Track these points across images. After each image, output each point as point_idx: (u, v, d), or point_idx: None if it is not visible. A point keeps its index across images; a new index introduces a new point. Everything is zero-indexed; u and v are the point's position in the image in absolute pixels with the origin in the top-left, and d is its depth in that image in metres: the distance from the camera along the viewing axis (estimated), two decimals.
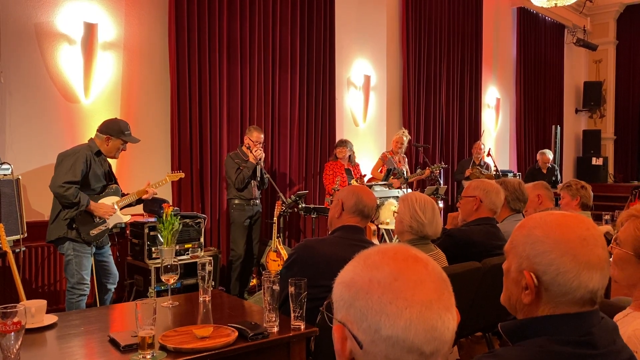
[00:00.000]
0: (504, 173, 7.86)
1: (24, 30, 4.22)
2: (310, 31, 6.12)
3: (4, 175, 3.76)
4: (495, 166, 7.51)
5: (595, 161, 10.83)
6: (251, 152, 4.88)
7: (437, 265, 0.84)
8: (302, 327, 2.10)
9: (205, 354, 1.87)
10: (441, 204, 6.61)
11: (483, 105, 8.91)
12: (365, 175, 6.14)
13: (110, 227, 3.75)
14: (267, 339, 2.02)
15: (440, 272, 0.83)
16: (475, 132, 8.54)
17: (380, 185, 5.77)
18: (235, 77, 5.39)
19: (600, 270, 1.08)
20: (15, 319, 1.63)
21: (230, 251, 5.06)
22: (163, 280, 2.47)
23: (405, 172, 6.18)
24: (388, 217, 5.09)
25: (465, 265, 2.59)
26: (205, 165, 5.21)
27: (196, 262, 2.97)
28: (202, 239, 4.61)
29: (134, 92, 4.84)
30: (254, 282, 5.31)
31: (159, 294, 4.15)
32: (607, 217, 4.47)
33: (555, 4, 7.66)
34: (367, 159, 6.76)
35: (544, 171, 8.31)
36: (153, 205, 4.33)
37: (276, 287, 2.10)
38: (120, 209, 3.82)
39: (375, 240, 5.15)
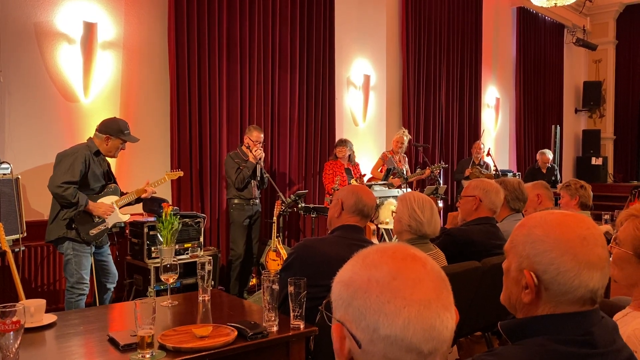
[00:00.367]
0: (504, 173, 7.86)
1: (24, 29, 4.22)
2: (310, 30, 6.12)
3: (4, 174, 3.76)
4: (494, 166, 7.51)
5: (595, 161, 10.83)
6: (251, 151, 4.88)
7: (435, 264, 0.84)
8: (302, 326, 2.10)
9: (204, 353, 1.86)
10: (441, 204, 6.61)
11: (483, 105, 8.91)
12: (365, 175, 6.14)
13: (109, 226, 3.75)
14: (266, 338, 2.02)
15: (439, 271, 0.83)
16: (474, 132, 8.54)
17: (379, 184, 5.77)
18: (234, 77, 5.39)
19: (601, 269, 1.07)
20: (15, 318, 1.63)
21: (230, 251, 5.06)
22: (162, 279, 2.47)
23: (405, 172, 6.18)
24: (387, 216, 5.08)
25: (465, 264, 2.59)
26: (205, 165, 5.21)
27: (195, 261, 2.97)
28: (201, 239, 4.61)
29: (133, 91, 4.83)
30: (253, 281, 5.31)
31: (159, 293, 4.15)
32: (606, 216, 4.47)
33: (555, 3, 7.66)
34: (366, 159, 6.76)
35: (544, 171, 8.31)
36: (152, 205, 4.33)
37: (275, 287, 2.10)
38: (119, 208, 3.82)
39: (375, 240, 5.15)
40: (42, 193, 3.80)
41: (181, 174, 4.31)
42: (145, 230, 4.29)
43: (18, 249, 3.76)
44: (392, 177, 6.00)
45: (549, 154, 8.40)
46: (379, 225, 5.39)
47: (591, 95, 11.30)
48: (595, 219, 3.50)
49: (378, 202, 5.07)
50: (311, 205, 5.36)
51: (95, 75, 4.57)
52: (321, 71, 6.23)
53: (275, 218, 5.05)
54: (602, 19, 11.42)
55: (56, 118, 4.40)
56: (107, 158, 3.86)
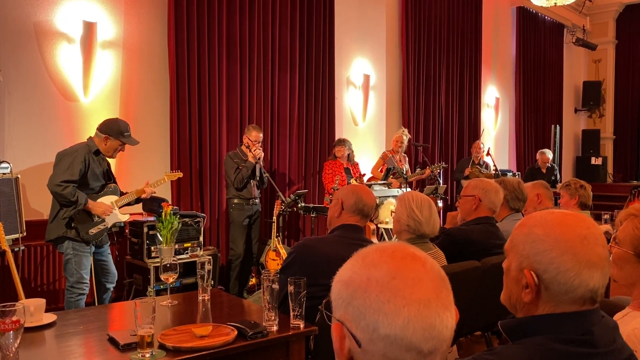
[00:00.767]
0: (503, 172, 7.86)
1: (23, 28, 4.22)
2: (310, 30, 6.12)
3: (3, 174, 3.75)
4: (494, 165, 7.51)
5: (595, 161, 10.83)
6: (250, 151, 4.87)
7: (435, 263, 0.84)
8: (302, 326, 2.10)
9: (204, 352, 1.86)
10: (440, 204, 6.61)
11: (482, 105, 8.91)
12: (364, 175, 6.14)
13: (109, 226, 3.75)
14: (266, 337, 2.02)
15: (439, 271, 0.83)
16: (474, 132, 8.54)
17: (379, 184, 5.77)
18: (234, 76, 5.39)
19: (601, 269, 1.07)
20: (14, 318, 1.63)
21: (230, 250, 5.06)
22: (162, 279, 2.47)
23: (405, 172, 6.17)
24: (387, 216, 5.08)
25: (465, 264, 2.59)
26: (205, 165, 5.21)
27: (195, 261, 2.97)
28: (201, 238, 4.61)
29: (133, 91, 4.83)
30: (253, 281, 5.31)
31: (158, 293, 4.15)
32: (606, 216, 4.47)
33: (555, 3, 7.65)
34: (366, 159, 6.76)
35: (544, 171, 8.31)
36: (152, 205, 4.33)
37: (275, 286, 2.10)
38: (119, 208, 3.81)
39: (375, 240, 5.15)
40: (42, 192, 3.80)
41: (180, 175, 4.31)
42: (145, 229, 4.29)
43: (18, 249, 3.76)
44: (391, 176, 6.00)
45: (549, 154, 8.40)
46: (379, 225, 5.39)
47: (591, 95, 11.30)
48: (594, 218, 3.50)
49: (378, 202, 5.07)
50: (311, 205, 5.36)
51: (95, 75, 4.57)
52: (321, 71, 6.23)
53: (275, 218, 5.05)
54: (601, 18, 11.42)
55: (56, 117, 4.39)
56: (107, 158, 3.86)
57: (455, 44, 8.17)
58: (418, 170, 6.52)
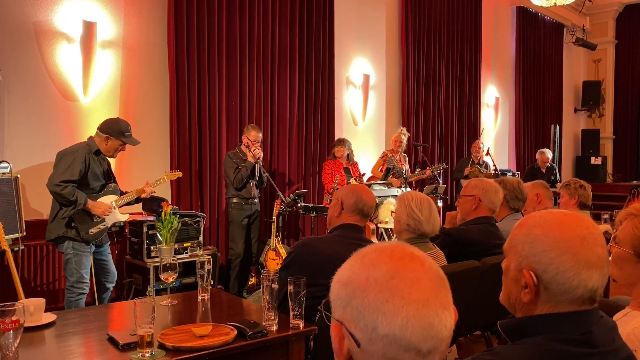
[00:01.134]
0: (503, 172, 7.86)
1: (23, 28, 4.22)
2: (310, 30, 6.12)
3: (3, 173, 3.75)
4: (494, 165, 7.51)
5: (594, 160, 10.83)
6: (250, 151, 4.87)
7: (434, 263, 0.84)
8: (301, 325, 2.10)
9: (204, 352, 1.86)
10: (440, 203, 6.61)
11: (482, 105, 8.91)
12: (364, 174, 6.14)
13: (108, 225, 3.75)
14: (266, 337, 2.02)
15: (438, 270, 0.83)
16: (474, 131, 8.54)
17: (379, 184, 5.77)
18: (234, 76, 5.39)
19: (600, 268, 1.07)
20: (14, 317, 1.63)
21: (229, 250, 5.05)
22: (162, 278, 2.47)
23: (405, 171, 6.17)
24: (387, 216, 5.09)
25: (464, 264, 2.60)
26: (205, 164, 5.21)
27: (195, 260, 2.97)
28: (201, 238, 4.61)
29: (133, 90, 4.83)
30: (252, 280, 5.31)
31: (158, 292, 4.15)
32: (605, 216, 4.47)
33: (555, 3, 7.65)
34: (366, 158, 6.76)
35: (543, 170, 8.31)
36: (152, 204, 4.33)
37: (275, 286, 2.10)
38: (119, 207, 3.81)
39: (374, 239, 5.15)
40: (42, 192, 3.80)
41: (180, 174, 4.31)
42: (145, 229, 4.30)
43: (17, 248, 3.76)
44: (391, 176, 6.00)
45: (549, 154, 8.40)
46: (379, 225, 5.39)
47: (590, 94, 11.30)
48: (594, 218, 3.50)
49: (377, 202, 5.08)
50: (310, 205, 5.36)
51: (95, 75, 4.57)
52: (320, 70, 6.23)
53: (274, 217, 5.05)
54: (601, 18, 11.42)
55: (55, 117, 4.39)
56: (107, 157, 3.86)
57: (455, 44, 8.17)
58: (418, 170, 6.52)
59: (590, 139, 11.15)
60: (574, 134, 11.55)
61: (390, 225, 5.05)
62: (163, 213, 3.22)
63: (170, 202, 4.82)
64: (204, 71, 5.15)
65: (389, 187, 5.79)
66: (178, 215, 3.29)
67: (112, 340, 1.96)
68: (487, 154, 7.59)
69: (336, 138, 6.20)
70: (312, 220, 5.42)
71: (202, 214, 4.77)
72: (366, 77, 6.93)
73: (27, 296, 3.46)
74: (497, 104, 9.34)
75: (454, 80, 8.19)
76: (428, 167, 6.44)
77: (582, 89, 11.42)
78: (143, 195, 3.93)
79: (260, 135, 5.01)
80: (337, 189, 4.79)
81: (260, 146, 4.97)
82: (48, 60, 4.35)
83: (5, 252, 3.37)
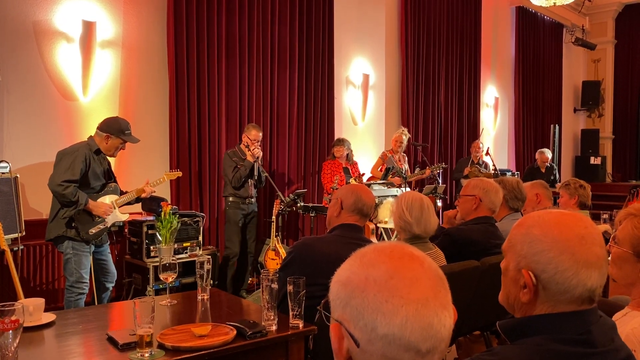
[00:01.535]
0: (503, 172, 7.86)
1: (22, 28, 4.22)
2: (309, 30, 6.12)
3: (2, 173, 3.75)
4: (493, 165, 7.52)
5: (594, 160, 10.84)
6: (250, 150, 4.86)
7: (433, 262, 0.84)
8: (301, 325, 2.10)
9: (203, 352, 1.86)
10: (440, 203, 6.61)
11: (482, 104, 8.91)
12: (364, 174, 6.14)
13: (108, 225, 3.75)
14: (265, 337, 2.02)
15: (437, 270, 0.83)
16: (473, 131, 8.54)
17: (378, 184, 5.77)
18: (234, 76, 5.39)
19: (599, 268, 1.07)
20: (13, 317, 1.63)
21: (225, 249, 5.04)
22: (161, 278, 2.47)
23: (404, 171, 6.17)
24: (386, 216, 5.09)
25: (464, 264, 2.60)
26: (204, 164, 5.21)
27: (194, 260, 2.97)
28: (200, 238, 4.61)
29: (132, 90, 4.83)
30: (252, 280, 5.30)
31: (158, 292, 4.15)
32: (605, 216, 4.47)
33: (554, 3, 7.65)
34: (365, 158, 6.76)
35: (543, 170, 8.31)
36: (152, 204, 4.33)
37: (275, 286, 2.10)
38: (119, 207, 3.81)
39: (374, 239, 5.15)
40: (41, 192, 3.80)
41: (180, 174, 4.30)
42: (145, 229, 4.30)
43: (17, 248, 3.76)
44: (391, 176, 6.00)
45: (548, 153, 8.40)
46: (378, 225, 5.39)
47: (590, 94, 11.31)
48: (594, 218, 3.51)
49: (377, 202, 5.08)
50: (310, 205, 5.35)
51: (94, 74, 4.57)
52: (320, 70, 6.23)
53: (274, 217, 5.04)
54: (601, 18, 11.42)
55: (55, 117, 4.39)
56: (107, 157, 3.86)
57: (454, 44, 8.17)
58: (417, 170, 6.52)
59: (589, 138, 11.15)
60: (574, 134, 11.56)
61: (390, 225, 5.06)
62: (162, 213, 3.22)
63: (169, 201, 4.82)
64: (203, 71, 5.15)
65: (389, 187, 5.79)
66: (177, 215, 3.29)
67: (111, 340, 1.96)
68: (487, 153, 7.59)
69: (335, 138, 6.20)
70: (312, 220, 5.42)
71: (202, 213, 4.77)
72: (366, 77, 6.93)
73: (26, 296, 3.46)
74: (496, 103, 9.34)
75: (454, 80, 8.19)
76: (427, 167, 6.45)
77: (581, 88, 11.42)
78: (143, 195, 3.93)
79: (261, 134, 5.01)
80: (336, 188, 4.80)
81: (259, 145, 4.96)
82: (47, 59, 4.35)
83: (4, 251, 3.37)
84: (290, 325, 2.10)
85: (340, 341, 0.82)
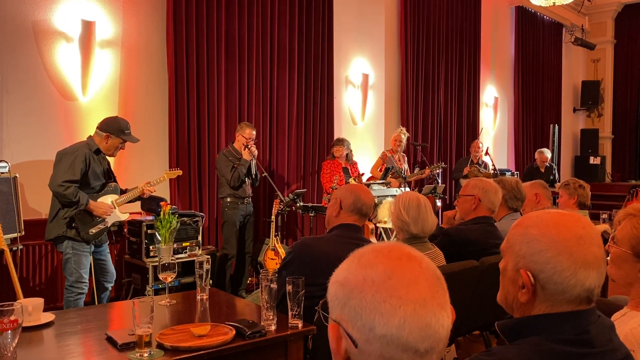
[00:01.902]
0: (502, 172, 7.86)
1: (22, 27, 4.21)
2: (309, 29, 6.12)
3: (1, 173, 3.75)
4: (493, 165, 7.52)
5: (593, 160, 10.84)
6: (247, 148, 4.82)
7: (431, 263, 0.84)
8: (300, 325, 2.10)
9: (202, 352, 1.86)
10: (439, 203, 6.61)
11: (481, 104, 8.91)
12: (363, 174, 6.14)
13: (108, 225, 3.75)
14: (264, 337, 2.02)
15: (435, 270, 0.83)
16: (473, 131, 8.54)
17: (378, 184, 5.77)
18: (233, 75, 5.39)
19: (597, 268, 1.08)
20: (12, 317, 1.63)
21: (223, 249, 5.02)
22: (161, 278, 2.47)
23: (404, 171, 6.17)
24: (385, 215, 5.09)
25: (463, 264, 2.60)
26: (203, 164, 5.20)
27: (194, 260, 2.97)
28: (199, 238, 4.61)
29: (131, 90, 4.83)
30: (251, 280, 5.30)
31: (157, 292, 4.15)
32: (604, 216, 4.47)
33: (554, 2, 7.65)
34: (365, 158, 6.76)
35: (542, 170, 8.32)
36: (151, 204, 4.33)
37: (274, 286, 2.10)
38: (119, 207, 3.81)
39: (373, 239, 5.15)
40: (40, 192, 3.80)
41: (180, 172, 4.30)
42: (144, 229, 4.30)
43: (16, 248, 3.76)
44: (390, 176, 6.00)
45: (548, 153, 8.41)
46: (377, 225, 5.40)
47: (589, 94, 11.31)
48: (593, 218, 3.52)
49: (376, 202, 5.08)
50: (309, 204, 5.35)
51: (94, 74, 4.57)
52: (319, 70, 6.23)
53: (273, 217, 5.04)
54: (600, 18, 11.42)
55: (54, 117, 4.39)
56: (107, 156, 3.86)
57: (454, 44, 8.17)
58: (417, 170, 6.53)
59: (589, 138, 11.16)
60: (573, 134, 11.56)
61: (389, 225, 5.06)
62: (162, 213, 3.22)
63: (169, 201, 4.82)
64: (202, 70, 5.15)
65: (388, 187, 5.80)
66: (177, 215, 3.30)
67: (110, 340, 1.96)
68: (486, 153, 7.59)
69: (335, 138, 6.20)
70: (311, 220, 5.42)
71: (201, 213, 4.77)
72: (365, 77, 6.93)
73: (25, 296, 3.46)
74: (496, 103, 9.34)
75: (453, 79, 8.19)
76: (427, 167, 6.45)
77: (581, 88, 11.42)
78: (143, 195, 3.93)
79: (254, 132, 4.98)
80: (335, 188, 4.80)
81: (254, 143, 4.93)
82: (47, 59, 4.35)
83: (3, 251, 3.37)
84: (290, 325, 2.10)
85: (338, 341, 0.82)
